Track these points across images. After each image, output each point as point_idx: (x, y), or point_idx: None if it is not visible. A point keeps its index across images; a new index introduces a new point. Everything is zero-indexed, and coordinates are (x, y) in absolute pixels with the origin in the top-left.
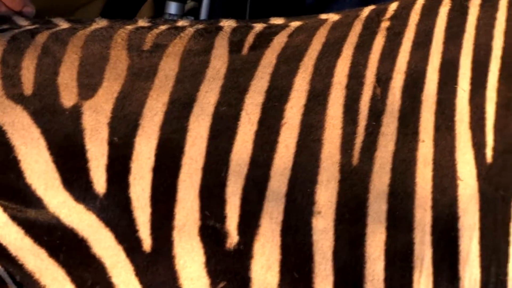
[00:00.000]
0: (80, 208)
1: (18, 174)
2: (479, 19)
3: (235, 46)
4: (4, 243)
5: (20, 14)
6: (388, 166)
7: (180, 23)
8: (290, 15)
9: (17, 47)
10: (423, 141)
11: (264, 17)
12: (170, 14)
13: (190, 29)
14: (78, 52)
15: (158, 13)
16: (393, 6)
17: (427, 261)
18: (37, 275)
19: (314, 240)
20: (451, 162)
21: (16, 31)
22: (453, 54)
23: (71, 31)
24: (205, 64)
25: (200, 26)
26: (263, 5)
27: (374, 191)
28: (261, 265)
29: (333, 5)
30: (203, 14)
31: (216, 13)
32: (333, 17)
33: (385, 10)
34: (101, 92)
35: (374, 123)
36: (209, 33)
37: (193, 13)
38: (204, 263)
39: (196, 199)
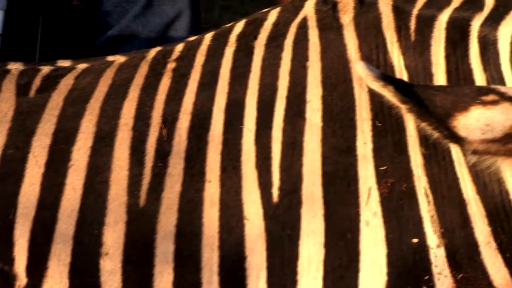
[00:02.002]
0: None
1: None
2: (265, 59)
3: (22, 89)
4: None
5: None
6: (175, 207)
7: None
8: (80, 56)
9: None
10: (210, 181)
11: (55, 59)
12: None
13: None
14: None
15: None
16: (179, 47)
17: None
18: None
19: (102, 281)
20: (238, 202)
21: None
22: (239, 95)
23: None
24: None
25: None
26: (53, 47)
27: (161, 232)
28: None
29: (124, 46)
30: None
31: (6, 56)
32: (119, 58)
33: (171, 52)
34: None
35: (160, 164)
36: None
37: None
38: None
39: None
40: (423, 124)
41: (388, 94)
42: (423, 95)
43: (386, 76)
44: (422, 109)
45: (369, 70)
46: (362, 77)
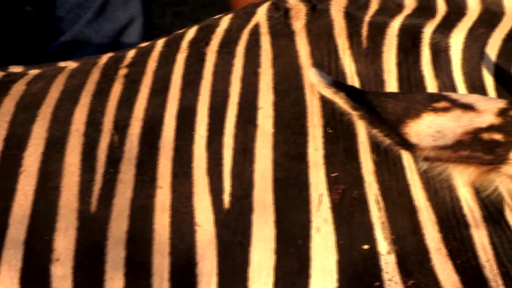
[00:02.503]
0: None
1: None
2: (216, 65)
3: None
4: None
5: None
6: (126, 213)
7: None
8: (33, 62)
9: None
10: (161, 187)
11: (7, 64)
12: None
13: None
14: None
15: None
16: (131, 54)
17: None
18: None
19: (53, 287)
20: (189, 208)
21: None
22: (191, 101)
23: None
24: None
25: None
26: (5, 52)
27: (112, 238)
28: None
29: (77, 52)
30: None
31: None
32: (71, 64)
33: (123, 58)
34: None
35: (112, 170)
36: None
37: None
38: None
39: None
40: (374, 131)
41: (340, 101)
42: (375, 102)
43: (338, 82)
44: (374, 116)
45: (321, 77)
46: (314, 83)
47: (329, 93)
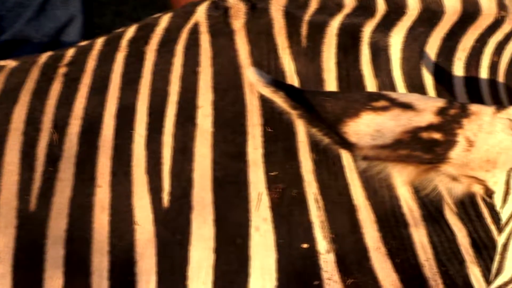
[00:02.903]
0: None
1: None
2: (156, 64)
3: None
4: None
5: None
6: (65, 212)
7: None
8: None
9: None
10: (100, 186)
11: None
12: None
13: None
14: None
15: None
16: (70, 52)
17: None
18: None
19: None
20: (128, 207)
21: None
22: (130, 100)
23: None
24: None
25: None
26: None
27: (51, 237)
28: None
29: (17, 50)
30: None
31: None
32: (10, 63)
33: (62, 56)
34: None
35: (51, 169)
36: None
37: None
38: None
39: None
40: (313, 130)
41: (279, 100)
42: (314, 101)
43: (277, 82)
44: (313, 115)
45: (260, 76)
46: (253, 83)
47: (268, 92)
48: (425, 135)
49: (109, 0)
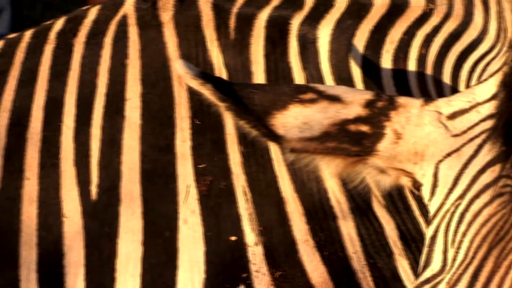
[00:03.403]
0: None
1: None
2: (84, 57)
3: None
4: None
5: None
6: None
7: None
8: None
9: None
10: (29, 178)
11: None
12: None
13: None
14: None
15: None
16: None
17: None
18: None
19: None
20: (57, 199)
21: None
22: (58, 92)
23: None
24: None
25: None
26: None
27: None
28: None
29: None
30: None
31: None
32: None
33: None
34: None
35: None
36: None
37: None
38: None
39: None
40: (241, 123)
41: (207, 92)
42: (242, 93)
43: (205, 74)
44: (240, 107)
45: (188, 68)
46: (181, 75)
47: (196, 85)
48: (352, 127)
49: None
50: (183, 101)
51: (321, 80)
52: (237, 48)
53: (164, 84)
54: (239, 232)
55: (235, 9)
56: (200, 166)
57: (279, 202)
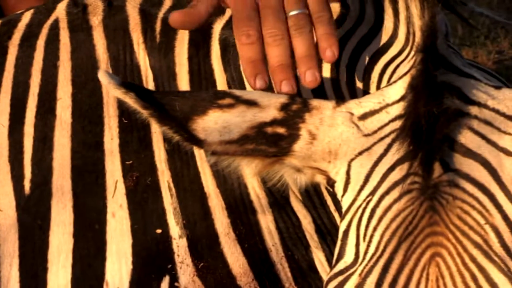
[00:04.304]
0: None
1: None
2: (18, 58)
3: None
4: None
5: None
6: None
7: None
8: None
9: None
10: None
11: None
12: None
13: None
14: None
15: None
16: None
17: None
18: None
19: None
20: None
21: None
22: None
23: None
24: None
25: None
26: None
27: None
28: None
29: None
30: None
31: None
32: None
33: None
34: None
35: None
36: None
37: None
38: None
39: None
40: (164, 128)
41: (130, 101)
42: (163, 100)
43: (127, 83)
44: (163, 114)
45: (111, 78)
46: (104, 85)
47: (119, 94)
48: (269, 130)
49: None
50: (111, 100)
51: (242, 82)
52: (162, 51)
53: (93, 84)
54: (164, 225)
55: (161, 14)
56: (127, 162)
57: (202, 197)
